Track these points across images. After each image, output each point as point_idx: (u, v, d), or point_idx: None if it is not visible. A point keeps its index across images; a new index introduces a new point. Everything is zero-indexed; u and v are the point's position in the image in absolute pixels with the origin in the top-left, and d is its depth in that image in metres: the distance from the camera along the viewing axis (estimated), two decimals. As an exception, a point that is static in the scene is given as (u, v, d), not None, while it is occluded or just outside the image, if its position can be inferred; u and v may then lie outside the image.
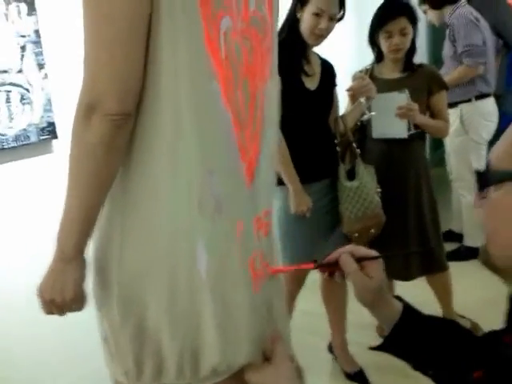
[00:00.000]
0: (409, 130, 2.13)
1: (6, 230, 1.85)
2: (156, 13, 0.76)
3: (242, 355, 0.88)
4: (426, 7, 3.22)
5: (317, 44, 1.97)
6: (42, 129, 1.88)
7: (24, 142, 1.83)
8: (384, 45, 2.14)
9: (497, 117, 3.08)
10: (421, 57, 2.97)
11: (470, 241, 3.12)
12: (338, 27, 1.97)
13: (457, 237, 3.27)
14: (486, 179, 0.72)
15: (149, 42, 0.78)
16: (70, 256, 0.85)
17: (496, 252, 0.71)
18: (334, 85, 2.09)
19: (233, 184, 0.88)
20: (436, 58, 3.64)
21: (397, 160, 2.19)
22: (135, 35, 0.75)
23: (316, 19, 1.87)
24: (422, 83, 2.17)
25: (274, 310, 1.00)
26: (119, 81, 0.75)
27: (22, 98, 1.81)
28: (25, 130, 1.82)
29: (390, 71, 2.22)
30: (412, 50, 2.17)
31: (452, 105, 2.88)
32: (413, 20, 2.12)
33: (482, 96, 3.04)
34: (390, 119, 2.09)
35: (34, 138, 1.85)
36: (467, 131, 3.06)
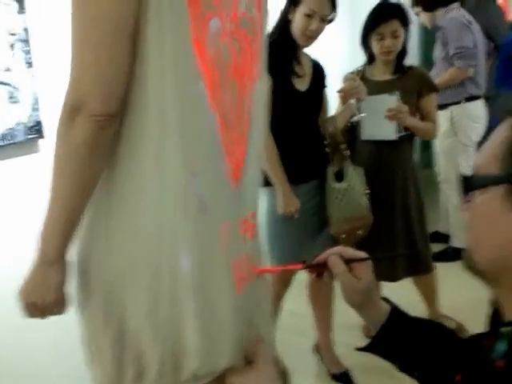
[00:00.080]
0: (398, 132, 2.14)
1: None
2: (144, 13, 0.76)
3: (224, 358, 0.87)
4: (418, 9, 3.24)
5: (307, 45, 1.98)
6: (30, 128, 1.86)
7: (11, 141, 1.81)
8: (376, 47, 2.16)
9: (485, 119, 3.10)
10: (412, 58, 2.99)
11: (457, 242, 3.15)
12: (331, 29, 1.97)
13: (444, 238, 3.30)
14: (470, 183, 0.73)
15: (136, 42, 0.77)
16: (51, 258, 0.85)
17: (479, 256, 0.72)
18: (324, 86, 2.10)
19: (217, 185, 0.88)
20: (427, 59, 3.66)
21: (385, 162, 2.20)
22: (121, 37, 0.75)
23: (307, 20, 1.88)
24: (412, 85, 2.18)
25: (259, 312, 1.00)
26: (103, 82, 0.75)
27: (10, 97, 1.79)
28: (12, 129, 1.80)
29: (382, 73, 2.23)
30: (403, 52, 2.19)
31: (442, 106, 2.90)
32: (405, 23, 2.14)
33: (471, 98, 3.06)
34: (380, 121, 2.10)
35: (20, 137, 1.84)
36: (456, 133, 3.08)
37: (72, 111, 0.76)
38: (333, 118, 2.08)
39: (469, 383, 0.74)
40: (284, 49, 1.92)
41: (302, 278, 1.96)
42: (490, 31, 3.25)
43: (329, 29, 1.97)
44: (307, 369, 2.31)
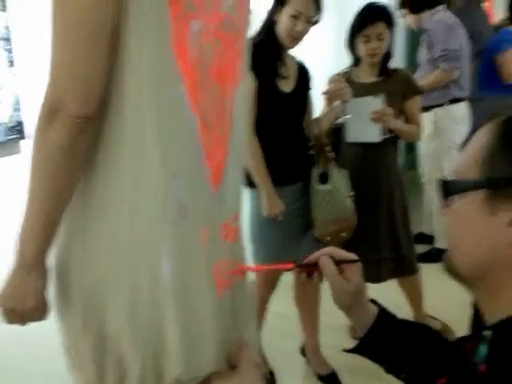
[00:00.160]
0: (383, 134, 2.15)
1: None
2: (124, 12, 0.75)
3: (207, 363, 0.86)
4: (405, 11, 3.26)
5: (293, 46, 1.98)
6: (11, 128, 1.83)
7: (-9, 142, 1.79)
8: (361, 49, 2.17)
9: (468, 121, 3.13)
10: (398, 60, 3.00)
11: (441, 243, 3.17)
12: (317, 30, 1.97)
13: (428, 239, 3.32)
14: (450, 188, 0.73)
15: (116, 42, 0.76)
16: (29, 262, 0.83)
17: (458, 260, 0.72)
18: (309, 88, 2.10)
19: (197, 188, 0.87)
20: (412, 61, 3.68)
21: (370, 164, 2.20)
22: (99, 38, 0.74)
23: (293, 21, 1.88)
24: (396, 88, 2.19)
25: (242, 316, 0.99)
26: (81, 81, 0.74)
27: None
28: (-8, 129, 1.78)
29: (367, 75, 2.24)
30: (388, 54, 2.20)
31: (426, 108, 2.92)
32: (390, 25, 2.15)
33: (455, 100, 3.09)
34: (365, 123, 2.10)
35: (1, 138, 1.81)
36: (439, 135, 3.11)
37: (50, 113, 0.75)
38: (318, 119, 2.08)
39: None
40: (269, 50, 1.91)
41: (288, 279, 1.95)
42: (474, 34, 3.27)
43: (314, 30, 1.97)
44: (294, 370, 2.30)
